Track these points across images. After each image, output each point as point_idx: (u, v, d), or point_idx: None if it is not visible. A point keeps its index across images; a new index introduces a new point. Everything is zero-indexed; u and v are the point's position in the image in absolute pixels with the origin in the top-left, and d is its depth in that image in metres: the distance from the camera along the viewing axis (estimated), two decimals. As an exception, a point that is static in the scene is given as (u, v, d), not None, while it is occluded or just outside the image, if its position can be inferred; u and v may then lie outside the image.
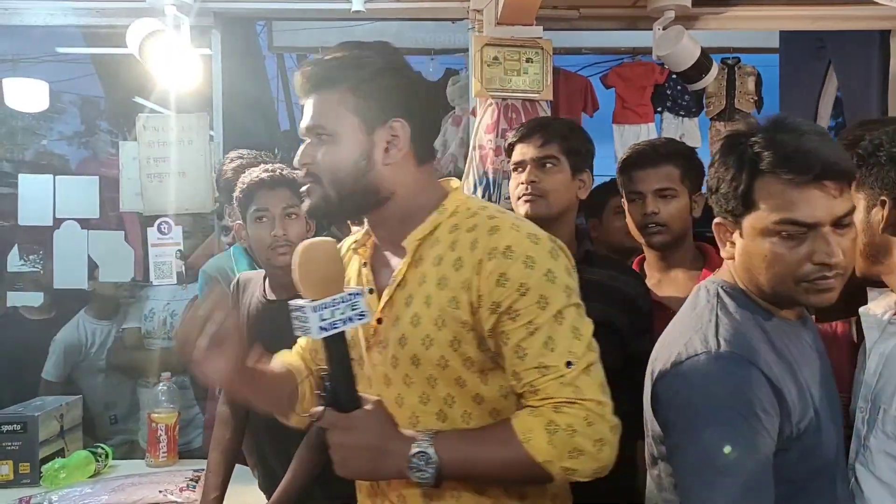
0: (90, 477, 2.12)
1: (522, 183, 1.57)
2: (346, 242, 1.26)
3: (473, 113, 2.47)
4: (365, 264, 1.15)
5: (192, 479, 2.02)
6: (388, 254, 1.13)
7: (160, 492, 1.92)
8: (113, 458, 2.23)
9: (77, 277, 2.56)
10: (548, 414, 0.95)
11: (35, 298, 2.65)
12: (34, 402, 2.22)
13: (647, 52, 3.18)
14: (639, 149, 1.68)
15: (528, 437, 0.95)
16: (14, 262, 2.64)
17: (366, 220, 1.15)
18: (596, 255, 1.64)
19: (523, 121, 2.26)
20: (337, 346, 1.00)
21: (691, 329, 1.03)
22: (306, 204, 1.09)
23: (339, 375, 1.01)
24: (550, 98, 2.33)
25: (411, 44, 3.46)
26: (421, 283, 1.05)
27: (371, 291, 1.12)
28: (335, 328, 0.97)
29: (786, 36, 3.30)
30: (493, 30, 2.33)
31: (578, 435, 0.94)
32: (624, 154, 1.72)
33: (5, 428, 2.06)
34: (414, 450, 0.97)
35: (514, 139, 1.65)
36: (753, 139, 1.00)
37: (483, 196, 2.29)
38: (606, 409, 0.97)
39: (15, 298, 2.67)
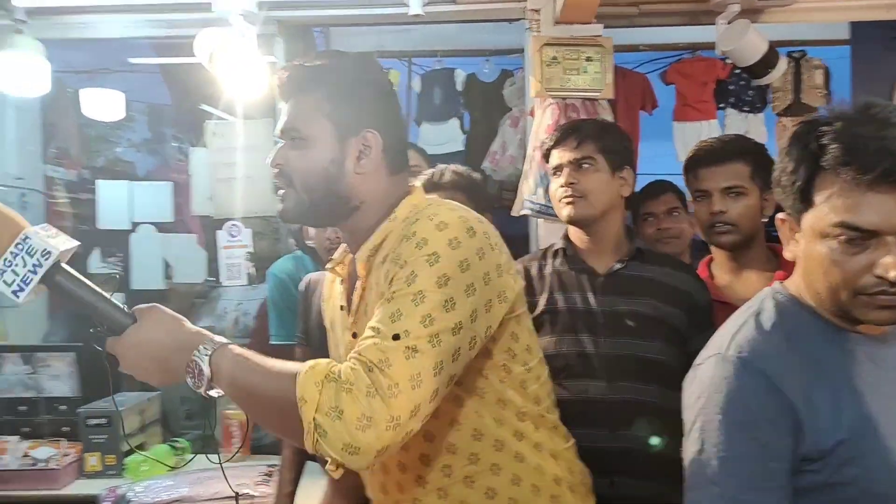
0: (169, 470, 2.23)
1: (562, 186, 1.58)
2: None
3: (532, 114, 2.46)
4: (342, 281, 1.17)
5: (265, 475, 2.10)
6: (357, 267, 1.13)
7: (237, 485, 2.00)
8: (189, 453, 2.34)
9: (153, 278, 2.69)
10: (343, 366, 0.90)
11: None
12: (117, 398, 2.34)
13: (708, 47, 3.11)
14: (706, 145, 1.66)
15: (306, 371, 0.89)
16: (95, 264, 2.79)
17: (341, 234, 1.16)
18: (650, 252, 1.63)
19: (584, 120, 2.26)
20: (63, 284, 0.95)
21: (720, 333, 0.99)
22: (279, 208, 1.10)
23: (93, 305, 0.97)
24: (612, 97, 2.30)
25: (467, 45, 3.47)
26: (371, 290, 1.06)
27: (342, 308, 1.14)
28: (28, 284, 0.91)
29: (857, 27, 3.18)
30: (551, 29, 2.32)
31: (351, 396, 0.86)
32: (690, 151, 1.70)
33: (92, 422, 2.19)
34: (191, 357, 0.94)
35: (550, 144, 1.65)
36: (824, 129, 0.90)
37: (545, 196, 2.29)
38: (401, 397, 0.87)
39: (98, 299, 2.81)
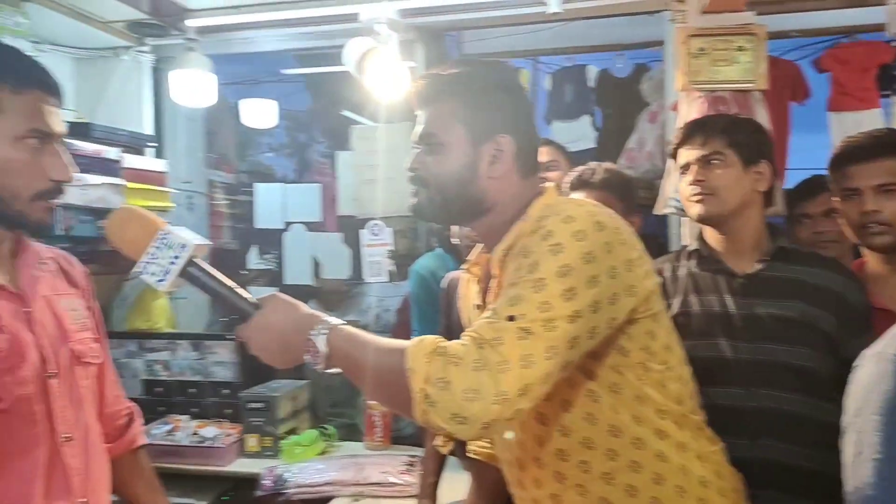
0: (318, 454, 2.37)
1: (690, 184, 1.52)
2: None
3: (674, 108, 2.37)
4: (478, 281, 1.19)
5: (408, 464, 2.18)
6: (493, 268, 1.14)
7: (382, 472, 2.10)
8: (336, 439, 2.48)
9: (304, 274, 2.89)
10: (454, 342, 0.92)
11: (270, 293, 3.03)
12: (272, 384, 2.52)
13: (869, 29, 2.85)
14: (854, 141, 1.54)
15: (416, 344, 0.93)
16: (253, 260, 3.03)
17: (476, 233, 1.18)
18: (795, 251, 1.52)
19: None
20: (197, 276, 1.02)
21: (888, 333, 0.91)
22: (412, 204, 1.14)
23: (222, 296, 1.04)
24: (766, 87, 2.17)
25: (599, 41, 3.39)
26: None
27: (478, 307, 1.17)
28: (169, 275, 0.99)
29: None
30: (698, 19, 2.22)
31: (458, 369, 0.89)
32: (836, 149, 1.57)
33: (252, 405, 2.37)
34: (310, 336, 0.99)
35: (676, 143, 1.59)
36: None
37: (689, 194, 2.20)
38: (509, 374, 0.88)
39: (256, 293, 3.06)
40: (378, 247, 2.69)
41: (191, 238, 1.01)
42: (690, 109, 2.22)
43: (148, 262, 1.01)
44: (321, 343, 0.98)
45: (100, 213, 2.30)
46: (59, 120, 1.11)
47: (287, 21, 2.50)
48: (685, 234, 2.31)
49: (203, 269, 1.03)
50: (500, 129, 1.08)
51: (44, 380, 1.12)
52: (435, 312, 2.05)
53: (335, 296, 2.97)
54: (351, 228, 2.98)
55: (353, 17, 2.42)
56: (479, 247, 1.23)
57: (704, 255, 1.56)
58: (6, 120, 1.05)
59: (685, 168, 1.56)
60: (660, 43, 2.79)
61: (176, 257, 1.00)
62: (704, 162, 1.51)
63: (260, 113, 3.22)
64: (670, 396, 1.07)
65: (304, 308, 1.05)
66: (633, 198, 1.82)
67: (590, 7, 2.44)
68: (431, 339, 0.93)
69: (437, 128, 1.09)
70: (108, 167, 2.26)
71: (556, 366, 0.93)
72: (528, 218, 1.08)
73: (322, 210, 3.09)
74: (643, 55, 3.34)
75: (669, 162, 2.29)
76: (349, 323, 2.75)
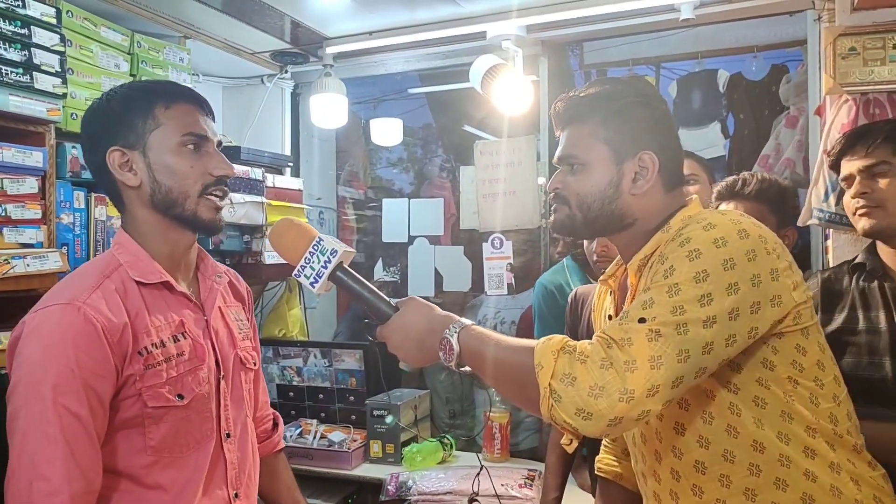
0: (438, 463, 2.41)
1: (854, 196, 1.45)
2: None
3: (818, 112, 2.20)
4: (612, 293, 1.20)
5: (527, 478, 2.16)
6: (629, 278, 1.13)
7: (502, 485, 2.10)
8: (455, 449, 2.51)
9: (426, 287, 2.96)
10: (582, 341, 0.93)
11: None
12: (394, 393, 2.60)
13: None
14: None
15: (544, 342, 0.94)
16: (379, 272, 3.16)
17: (615, 244, 1.17)
18: None
19: (888, 117, 1.96)
20: (344, 281, 1.11)
21: None
22: (552, 219, 1.16)
23: (365, 299, 1.12)
24: (929, 87, 1.96)
25: (731, 43, 3.23)
26: None
27: (610, 318, 1.17)
28: (321, 277, 1.09)
29: None
30: (848, 17, 2.05)
31: (585, 366, 0.89)
32: None
33: (376, 413, 2.46)
34: (443, 335, 1.03)
35: (836, 154, 1.52)
36: None
37: (837, 205, 2.03)
38: (637, 373, 0.87)
39: (380, 304, 3.20)
40: (499, 260, 2.71)
41: (340, 246, 1.11)
42: (839, 113, 2.05)
43: (303, 266, 1.11)
44: (454, 341, 1.02)
45: (245, 230, 2.50)
46: (210, 128, 1.25)
47: (417, 43, 2.60)
48: (832, 248, 2.14)
49: (349, 274, 1.12)
50: (642, 146, 1.08)
51: (217, 381, 1.26)
52: (559, 326, 2.04)
53: (454, 308, 3.02)
54: (472, 242, 3.03)
55: (480, 36, 2.47)
56: (616, 259, 1.23)
57: (871, 269, 1.47)
58: (164, 131, 1.20)
59: (848, 180, 1.49)
60: (799, 42, 2.61)
61: (327, 262, 1.10)
62: (869, 173, 1.44)
63: (387, 131, 3.37)
64: (822, 415, 1.01)
65: (439, 310, 1.10)
66: (789, 210, 1.74)
67: (725, 10, 2.33)
68: (559, 338, 0.95)
69: (577, 149, 1.11)
70: (253, 186, 2.45)
71: (689, 370, 0.91)
72: (670, 229, 1.07)
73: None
74: (780, 56, 3.14)
75: (815, 171, 2.14)
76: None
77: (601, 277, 1.24)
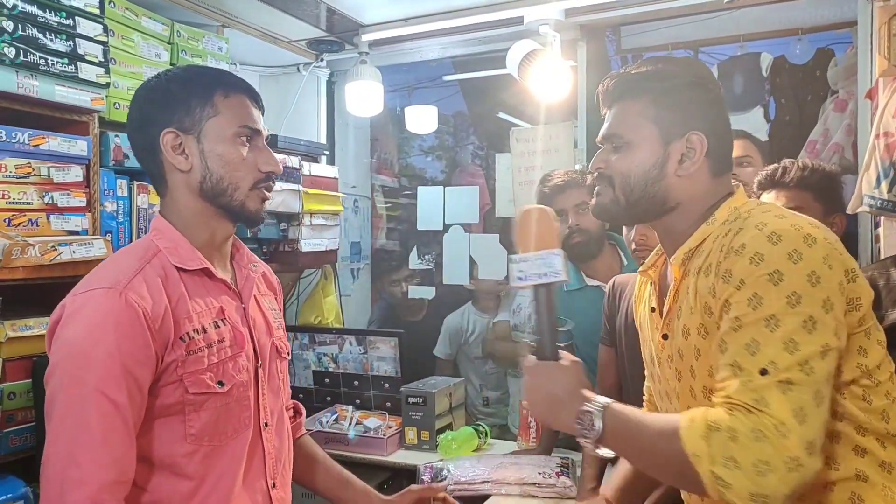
0: (473, 451, 2.41)
1: None
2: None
3: (870, 95, 2.12)
4: (652, 284, 1.16)
5: (562, 465, 2.15)
6: (670, 270, 1.11)
7: (539, 473, 2.09)
8: (491, 437, 2.51)
9: (461, 275, 2.96)
10: (719, 412, 0.88)
11: (429, 292, 3.16)
12: (430, 381, 2.61)
13: None
14: None
15: (687, 426, 0.89)
16: (414, 261, 3.17)
17: (656, 232, 1.14)
18: None
19: (948, 99, 1.88)
20: (541, 299, 1.08)
21: None
22: (593, 203, 1.13)
23: (541, 327, 1.08)
24: None
25: (776, 25, 3.12)
26: (686, 294, 1.02)
27: (653, 310, 1.13)
28: (529, 280, 1.06)
29: None
30: (904, -4, 1.97)
31: (739, 444, 0.84)
32: None
33: (412, 400, 2.46)
34: (583, 408, 0.98)
35: None
36: None
37: (890, 191, 1.95)
38: (791, 436, 0.83)
39: (414, 291, 3.22)
40: (534, 248, 2.68)
41: (563, 272, 1.07)
42: (893, 96, 1.97)
43: (524, 261, 1.08)
44: (597, 421, 0.97)
45: (282, 217, 2.52)
46: (261, 122, 1.25)
47: (453, 29, 2.57)
48: (884, 237, 2.07)
49: (549, 299, 1.08)
50: (691, 127, 1.05)
51: (256, 369, 1.25)
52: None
53: (489, 296, 3.01)
54: (507, 230, 3.01)
55: (517, 21, 2.43)
56: (657, 249, 1.20)
57: None
58: (221, 120, 1.19)
59: None
60: (847, 24, 2.52)
61: (545, 275, 1.06)
62: None
63: (423, 119, 3.36)
64: (873, 412, 0.98)
65: (582, 383, 1.05)
66: (836, 197, 1.68)
67: (769, -9, 2.25)
68: (701, 416, 0.89)
69: (623, 127, 1.09)
70: (290, 175, 2.46)
71: (824, 407, 0.88)
72: (715, 221, 1.04)
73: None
74: (827, 38, 3.03)
75: (865, 156, 2.06)
76: (500, 322, 2.75)
77: (640, 268, 1.22)
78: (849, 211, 2.09)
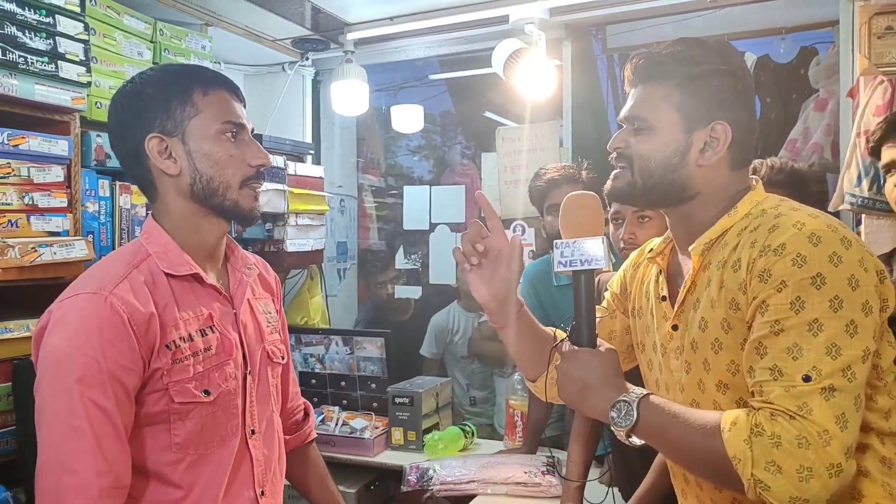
0: (459, 451, 2.41)
1: None
2: (649, 244, 1.24)
3: (850, 94, 2.14)
4: (661, 272, 1.14)
5: (548, 465, 2.15)
6: (682, 259, 1.10)
7: (525, 472, 2.09)
8: (477, 437, 2.51)
9: (447, 274, 2.96)
10: (760, 417, 0.88)
11: (415, 292, 3.16)
12: (416, 381, 2.60)
13: None
14: None
15: (730, 429, 0.89)
16: (400, 260, 3.17)
17: (667, 219, 1.13)
18: None
19: (926, 99, 1.91)
20: (581, 285, 1.07)
21: None
22: (609, 185, 1.11)
23: (580, 313, 1.08)
24: (969, 67, 1.90)
25: (759, 25, 3.15)
26: (707, 286, 1.01)
27: (664, 299, 1.12)
28: (571, 266, 1.06)
29: None
30: (884, -5, 2.00)
31: (782, 450, 0.85)
32: None
33: (398, 400, 2.45)
34: (619, 398, 0.98)
35: (876, 140, 1.48)
36: None
37: (870, 189, 1.98)
38: (833, 443, 0.84)
39: (401, 291, 3.22)
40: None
41: (604, 258, 1.06)
42: (873, 95, 2.00)
43: (567, 246, 1.07)
44: (634, 408, 0.97)
45: (267, 217, 2.51)
46: (244, 115, 1.23)
47: (438, 28, 2.57)
48: (864, 234, 2.09)
49: (588, 284, 1.08)
50: (717, 116, 1.03)
51: (244, 376, 1.24)
52: (541, 313, 2.05)
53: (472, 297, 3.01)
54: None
55: (502, 20, 2.44)
56: (665, 237, 1.18)
57: None
58: (204, 118, 1.16)
59: (889, 167, 1.46)
60: (829, 23, 2.54)
61: (587, 261, 1.06)
62: None
63: (409, 118, 3.35)
64: (878, 411, 0.98)
65: (617, 371, 1.05)
66: (807, 193, 1.69)
67: (751, -9, 2.26)
68: (743, 420, 0.89)
69: (646, 110, 1.06)
70: (275, 174, 2.45)
71: (861, 410, 0.89)
72: (737, 213, 1.03)
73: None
74: (809, 37, 3.06)
75: (846, 154, 2.08)
76: (486, 321, 2.73)
77: (649, 255, 1.20)
78: (830, 209, 2.12)
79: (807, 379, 0.87)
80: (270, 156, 1.26)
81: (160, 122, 1.15)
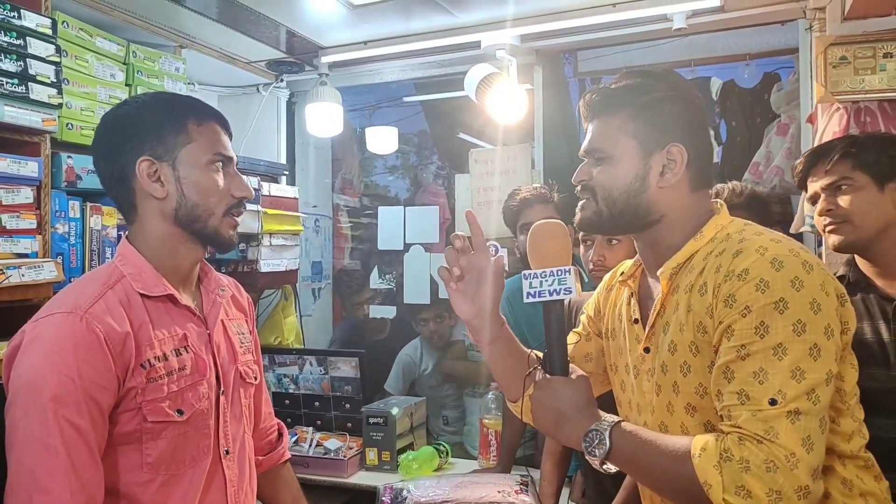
0: (434, 471, 2.41)
1: (820, 214, 1.48)
2: (621, 267, 1.28)
3: (810, 120, 2.23)
4: (632, 295, 1.17)
5: (521, 483, 2.16)
6: (652, 283, 1.13)
7: (498, 492, 2.10)
8: (452, 456, 2.51)
9: (422, 294, 2.97)
10: (729, 441, 0.90)
11: (390, 311, 3.16)
12: (391, 400, 2.60)
13: None
14: None
15: (699, 454, 0.90)
16: (375, 280, 3.17)
17: (635, 244, 1.16)
18: None
19: (880, 125, 1.99)
20: (551, 315, 1.08)
21: None
22: (577, 217, 1.14)
23: (551, 342, 1.09)
24: (919, 95, 1.99)
25: (724, 51, 3.25)
26: (675, 310, 1.03)
27: (636, 322, 1.14)
28: (541, 297, 1.07)
29: None
30: (838, 27, 2.08)
31: (751, 474, 0.86)
32: None
33: (372, 420, 2.45)
34: (592, 427, 1.00)
35: (800, 174, 1.55)
36: None
37: (829, 211, 2.05)
38: (800, 465, 0.86)
39: (376, 311, 3.22)
40: (494, 267, 2.71)
41: (574, 289, 1.08)
42: (830, 122, 2.08)
43: (536, 277, 1.08)
44: (606, 437, 0.98)
45: (241, 238, 2.47)
46: (231, 148, 1.27)
47: (412, 52, 2.61)
48: (825, 256, 2.16)
49: (559, 315, 1.09)
50: (671, 139, 1.07)
51: (217, 397, 1.24)
52: (517, 329, 2.07)
53: (448, 313, 3.02)
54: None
55: (474, 45, 2.49)
56: (633, 260, 1.22)
57: (853, 281, 1.49)
58: (196, 147, 1.20)
59: (814, 198, 1.52)
60: (791, 51, 2.64)
61: (556, 291, 1.07)
62: (832, 189, 1.47)
63: (383, 139, 3.38)
64: (840, 434, 1.01)
65: (589, 400, 1.06)
66: (767, 214, 1.76)
67: (717, 20, 2.35)
68: (713, 445, 0.91)
69: (603, 141, 1.10)
70: (248, 194, 2.45)
71: (825, 432, 0.90)
72: (703, 238, 1.06)
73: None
74: (772, 63, 3.16)
75: (807, 178, 2.16)
76: (456, 342, 2.75)
77: (620, 279, 1.23)
78: (792, 231, 2.18)
79: (773, 402, 0.88)
80: (246, 177, 1.28)
81: (151, 146, 1.18)
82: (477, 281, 1.13)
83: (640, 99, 1.08)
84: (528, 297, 1.08)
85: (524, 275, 1.09)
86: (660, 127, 1.07)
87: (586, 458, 1.01)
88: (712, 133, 3.32)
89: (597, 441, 0.99)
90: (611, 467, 1.00)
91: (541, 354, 1.15)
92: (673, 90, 1.09)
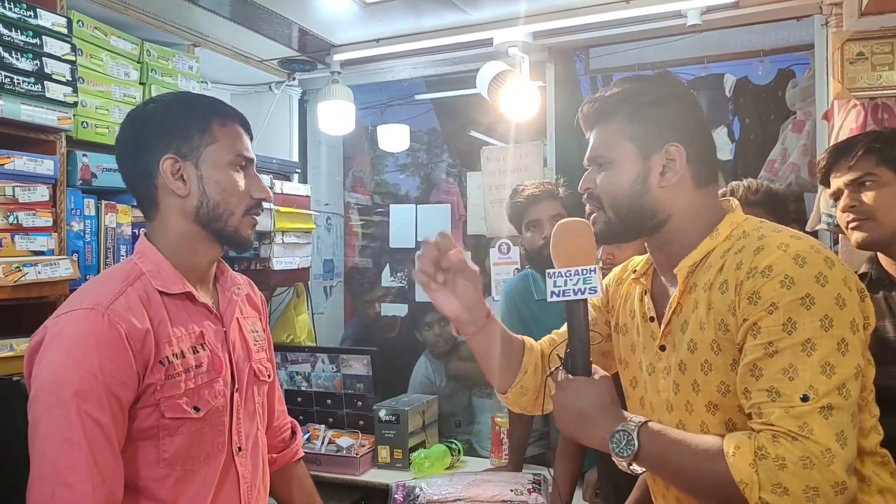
0: (446, 469, 2.40)
1: (843, 210, 1.46)
2: (632, 263, 1.27)
3: (826, 117, 2.21)
4: (646, 292, 1.17)
5: (534, 482, 2.16)
6: (666, 280, 1.12)
7: (511, 490, 2.09)
8: (464, 455, 2.51)
9: (433, 293, 2.97)
10: (763, 439, 0.89)
11: (401, 309, 3.16)
12: (402, 398, 2.60)
13: None
14: None
15: (734, 453, 0.90)
16: (386, 278, 3.18)
17: (646, 246, 1.16)
18: None
19: (897, 121, 1.97)
20: (575, 314, 1.07)
21: None
22: (596, 232, 1.13)
23: (574, 341, 1.08)
24: (938, 91, 1.96)
25: (738, 48, 3.22)
26: (694, 308, 1.03)
27: (651, 319, 1.14)
28: (565, 296, 1.06)
29: None
30: (855, 23, 2.06)
31: (787, 471, 0.86)
32: None
33: (384, 418, 2.45)
34: (619, 427, 0.99)
35: (823, 170, 1.53)
36: None
37: (846, 208, 2.03)
38: (836, 461, 0.86)
39: (388, 309, 3.23)
40: (506, 265, 2.71)
41: (599, 288, 1.07)
42: (847, 118, 2.05)
43: (561, 276, 1.08)
44: (634, 437, 0.98)
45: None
46: (251, 150, 1.28)
47: (423, 50, 2.61)
48: (839, 253, 2.13)
49: (583, 313, 1.08)
50: (669, 138, 1.08)
51: (231, 394, 1.26)
52: (523, 330, 2.07)
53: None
54: (479, 247, 3.03)
55: (486, 43, 2.48)
56: (645, 257, 1.21)
57: (876, 279, 1.47)
58: (219, 148, 1.21)
59: (837, 194, 1.50)
60: (806, 47, 2.61)
61: (581, 290, 1.07)
62: (855, 186, 1.45)
63: (395, 137, 3.39)
64: (859, 430, 0.99)
65: (613, 399, 1.06)
66: (784, 211, 1.74)
67: (731, 16, 2.33)
68: (746, 443, 0.90)
69: (603, 148, 1.12)
70: (261, 192, 2.45)
71: (857, 427, 0.91)
72: (718, 235, 1.06)
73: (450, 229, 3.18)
74: (787, 60, 3.13)
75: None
76: (463, 343, 2.72)
77: (633, 276, 1.22)
78: (808, 228, 2.16)
79: (805, 399, 0.88)
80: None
81: (176, 144, 1.19)
82: (454, 276, 1.13)
83: (634, 103, 1.10)
84: (551, 297, 1.07)
85: (548, 273, 1.08)
86: (656, 128, 1.08)
87: (613, 459, 0.99)
88: (725, 129, 3.31)
89: (625, 442, 0.98)
90: (637, 468, 0.99)
91: (557, 360, 1.14)
92: (667, 91, 1.11)
